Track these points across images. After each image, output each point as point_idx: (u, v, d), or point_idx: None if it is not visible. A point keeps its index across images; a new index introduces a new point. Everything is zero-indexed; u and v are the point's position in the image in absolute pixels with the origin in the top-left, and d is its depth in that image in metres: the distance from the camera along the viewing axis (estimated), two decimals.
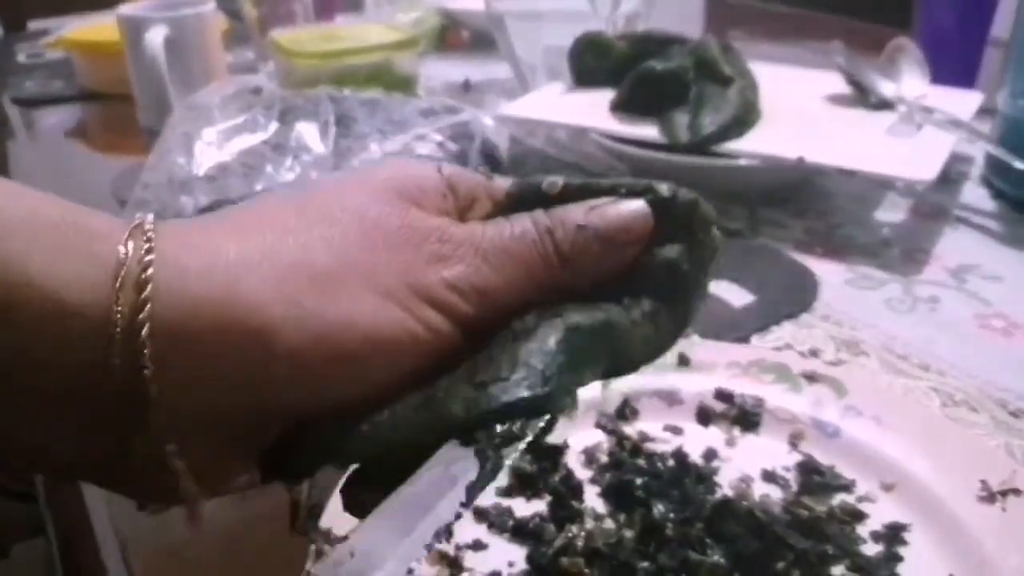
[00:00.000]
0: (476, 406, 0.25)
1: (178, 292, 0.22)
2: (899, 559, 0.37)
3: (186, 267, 0.23)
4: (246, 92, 0.70)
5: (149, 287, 0.22)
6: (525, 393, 0.26)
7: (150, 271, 0.22)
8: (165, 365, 0.22)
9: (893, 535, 0.38)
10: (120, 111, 0.97)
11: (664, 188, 0.29)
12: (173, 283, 0.22)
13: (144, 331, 0.22)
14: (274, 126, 0.66)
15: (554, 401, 0.26)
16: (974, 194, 0.73)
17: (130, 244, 0.23)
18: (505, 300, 0.27)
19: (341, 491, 0.28)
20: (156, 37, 0.86)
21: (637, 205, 0.29)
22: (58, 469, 0.25)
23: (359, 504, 0.27)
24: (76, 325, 0.21)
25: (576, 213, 0.29)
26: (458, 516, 0.24)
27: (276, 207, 0.26)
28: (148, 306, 0.22)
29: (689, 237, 0.29)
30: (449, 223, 0.28)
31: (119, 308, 0.22)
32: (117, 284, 0.22)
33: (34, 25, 1.34)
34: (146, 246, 0.23)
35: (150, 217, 0.24)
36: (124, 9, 0.91)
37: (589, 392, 0.31)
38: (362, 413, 0.25)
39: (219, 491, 0.26)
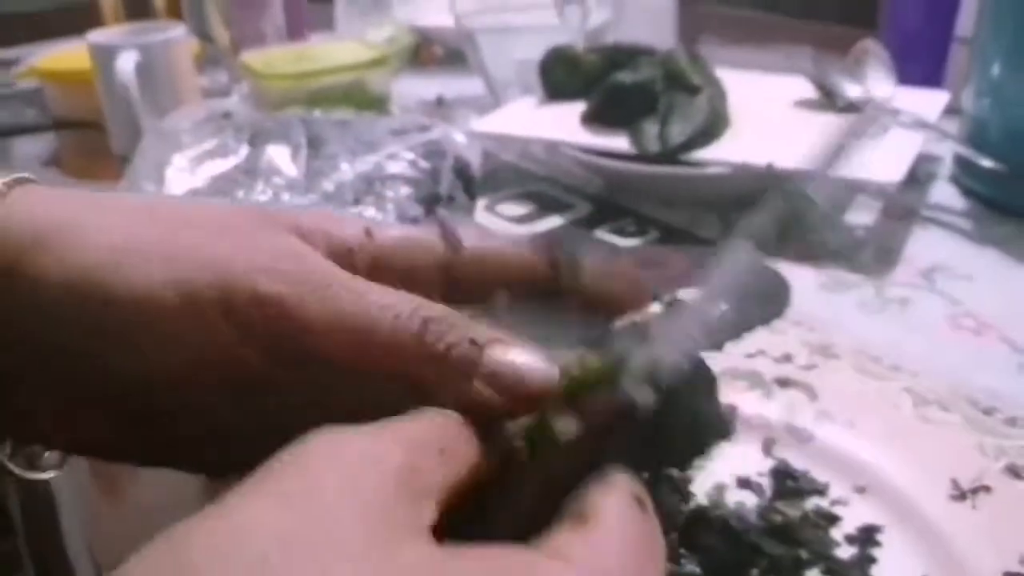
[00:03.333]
0: None
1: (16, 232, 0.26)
2: (873, 560, 0.37)
3: (35, 220, 0.26)
4: (217, 116, 0.70)
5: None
6: None
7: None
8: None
9: (867, 537, 0.38)
10: (94, 139, 0.97)
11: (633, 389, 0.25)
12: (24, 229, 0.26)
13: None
14: (245, 150, 0.66)
15: None
16: (944, 193, 0.74)
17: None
18: (319, 347, 0.25)
19: None
20: (127, 64, 0.86)
21: (548, 371, 0.24)
22: None
23: None
24: None
25: (480, 330, 0.25)
26: None
27: (144, 201, 0.29)
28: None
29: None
30: (307, 250, 0.27)
31: None
32: None
33: (1, 54, 1.34)
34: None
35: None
36: (94, 36, 0.91)
37: None
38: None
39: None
